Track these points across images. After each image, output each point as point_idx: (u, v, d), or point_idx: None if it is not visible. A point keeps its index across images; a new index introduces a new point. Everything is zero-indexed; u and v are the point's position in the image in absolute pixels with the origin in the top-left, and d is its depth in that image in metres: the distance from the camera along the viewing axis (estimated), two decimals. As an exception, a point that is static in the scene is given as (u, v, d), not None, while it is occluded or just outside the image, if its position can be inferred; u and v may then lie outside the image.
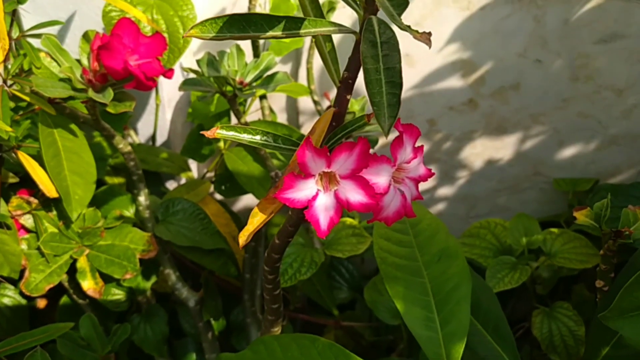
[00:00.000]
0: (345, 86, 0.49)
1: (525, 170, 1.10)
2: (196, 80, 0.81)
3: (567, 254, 0.87)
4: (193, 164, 1.14)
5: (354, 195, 0.43)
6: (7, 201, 0.84)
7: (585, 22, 0.93)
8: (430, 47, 0.36)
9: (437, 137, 1.12)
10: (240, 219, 1.12)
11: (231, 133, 0.48)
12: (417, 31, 0.37)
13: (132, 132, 1.12)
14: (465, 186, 1.16)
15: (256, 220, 0.47)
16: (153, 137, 1.18)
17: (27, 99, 0.72)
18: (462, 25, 0.99)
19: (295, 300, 1.03)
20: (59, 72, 0.72)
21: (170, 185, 1.19)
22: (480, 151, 1.11)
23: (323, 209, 0.43)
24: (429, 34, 0.37)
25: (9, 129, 0.64)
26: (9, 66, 0.72)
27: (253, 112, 1.10)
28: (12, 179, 0.85)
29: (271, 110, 1.07)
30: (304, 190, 0.43)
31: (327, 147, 0.50)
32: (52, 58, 0.73)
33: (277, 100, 1.19)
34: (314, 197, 0.43)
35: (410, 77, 1.06)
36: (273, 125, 0.97)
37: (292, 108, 1.19)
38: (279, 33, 0.42)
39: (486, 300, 0.65)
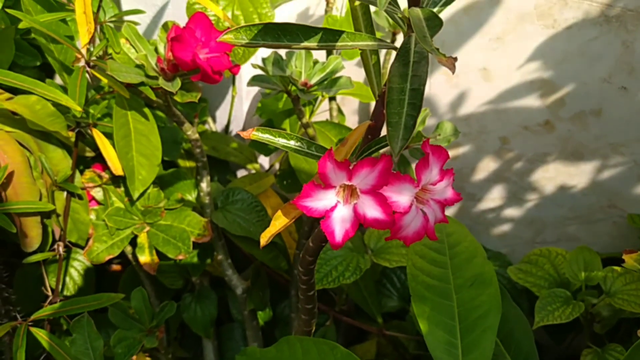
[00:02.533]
0: (383, 101, 0.49)
1: (600, 200, 1.05)
2: (264, 77, 0.84)
3: (627, 295, 0.82)
4: (261, 157, 1.17)
5: (372, 211, 0.43)
6: (82, 173, 0.91)
7: (680, 51, 0.86)
8: (453, 72, 0.36)
9: (508, 155, 1.08)
10: (302, 214, 1.14)
11: (266, 136, 0.49)
12: (443, 55, 0.37)
13: (209, 120, 1.17)
14: (533, 210, 1.12)
15: (278, 222, 0.48)
16: (227, 125, 1.22)
17: (105, 80, 0.78)
18: (545, 43, 0.95)
19: (342, 302, 1.04)
20: (135, 59, 0.77)
21: (240, 173, 1.23)
22: (553, 175, 1.06)
23: (340, 220, 0.44)
24: (455, 59, 0.36)
25: (78, 108, 0.69)
26: (92, 49, 0.77)
27: (323, 112, 1.12)
28: (89, 153, 0.91)
29: (340, 112, 1.08)
30: (323, 200, 0.44)
31: (358, 160, 0.50)
32: (131, 45, 0.78)
33: (351, 103, 1.19)
34: (333, 208, 0.44)
35: (486, 92, 1.03)
36: (337, 128, 0.98)
37: (364, 111, 1.19)
38: (314, 44, 0.42)
39: (520, 332, 0.62)
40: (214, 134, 1.12)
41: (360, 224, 0.44)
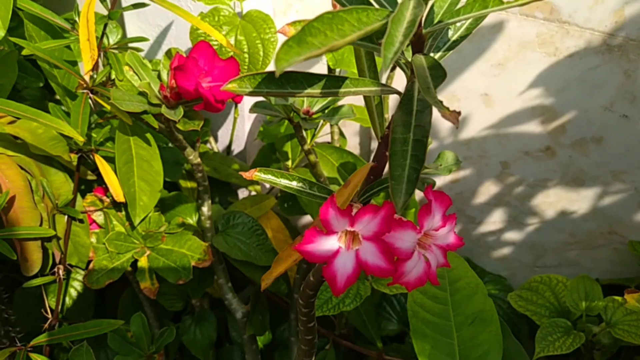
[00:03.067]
0: (386, 143, 0.49)
1: (600, 227, 1.05)
2: (266, 104, 0.84)
3: (628, 326, 0.82)
4: (262, 178, 1.17)
5: (374, 258, 0.43)
6: (83, 196, 0.91)
7: (681, 82, 0.86)
8: (457, 127, 0.36)
9: (509, 180, 1.08)
10: (299, 234, 1.14)
11: (269, 177, 0.49)
12: (447, 109, 0.37)
13: (211, 139, 1.17)
14: (534, 234, 1.12)
15: (279, 266, 0.48)
16: (229, 146, 1.23)
17: (108, 107, 0.78)
18: (546, 71, 0.95)
19: (341, 326, 1.04)
20: (139, 86, 0.77)
21: (242, 193, 1.23)
22: (554, 201, 1.06)
23: (342, 267, 0.44)
24: (458, 113, 0.36)
25: (81, 139, 0.69)
26: (95, 76, 0.77)
27: (325, 135, 1.12)
28: (90, 176, 0.91)
29: (341, 135, 1.08)
30: (325, 246, 0.44)
31: (361, 202, 0.50)
32: (135, 72, 0.78)
33: (352, 124, 1.19)
34: (335, 254, 0.44)
35: (487, 117, 1.03)
36: (339, 152, 0.98)
37: (365, 133, 1.19)
38: (317, 91, 0.42)
39: (520, 369, 0.62)
40: (215, 154, 1.13)
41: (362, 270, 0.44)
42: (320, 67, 1.12)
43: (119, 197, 0.80)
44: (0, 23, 0.70)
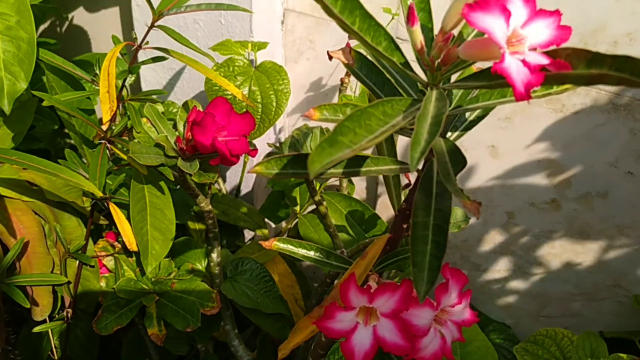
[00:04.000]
0: (403, 216, 0.50)
1: (605, 280, 1.05)
2: (280, 152, 0.85)
3: (634, 385, 0.82)
4: (270, 222, 1.18)
5: (392, 335, 0.44)
6: (94, 238, 0.92)
7: (686, 143, 0.88)
8: (478, 218, 0.37)
9: (514, 230, 1.10)
10: (307, 280, 1.15)
11: (287, 246, 0.51)
12: (468, 198, 0.38)
13: (220, 181, 1.18)
14: (539, 284, 1.13)
15: (297, 336, 0.49)
16: (238, 187, 1.24)
17: (125, 157, 0.79)
18: (553, 126, 0.97)
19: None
20: (156, 138, 0.78)
21: (249, 234, 1.24)
22: (559, 252, 1.07)
23: (360, 342, 0.44)
24: (479, 204, 0.38)
25: (100, 194, 0.71)
26: (113, 127, 0.79)
27: (334, 180, 1.13)
28: (103, 221, 0.92)
29: (350, 181, 1.09)
30: (344, 322, 0.45)
31: (377, 272, 0.51)
32: (152, 124, 0.80)
33: (360, 169, 1.21)
34: (353, 330, 0.44)
35: (494, 167, 1.05)
36: (347, 200, 1.00)
37: (372, 177, 1.20)
38: (339, 171, 0.44)
39: None
40: (224, 197, 1.14)
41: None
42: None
43: (132, 246, 0.81)
44: (23, 76, 0.72)
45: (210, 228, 0.92)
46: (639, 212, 0.97)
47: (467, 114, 0.48)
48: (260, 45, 1.00)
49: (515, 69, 0.34)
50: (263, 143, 1.05)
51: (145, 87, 1.25)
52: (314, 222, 1.02)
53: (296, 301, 1.07)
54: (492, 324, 1.14)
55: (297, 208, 1.07)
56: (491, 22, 0.33)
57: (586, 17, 0.87)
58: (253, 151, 0.79)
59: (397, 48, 0.41)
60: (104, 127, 0.78)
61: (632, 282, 1.03)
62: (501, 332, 1.11)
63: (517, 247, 1.11)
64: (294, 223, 1.09)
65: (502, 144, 1.02)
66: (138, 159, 0.73)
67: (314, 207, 1.05)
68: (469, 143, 1.04)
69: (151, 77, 1.21)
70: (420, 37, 0.40)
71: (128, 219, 0.83)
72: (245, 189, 1.27)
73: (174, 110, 1.16)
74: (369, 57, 0.48)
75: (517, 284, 1.15)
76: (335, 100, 1.08)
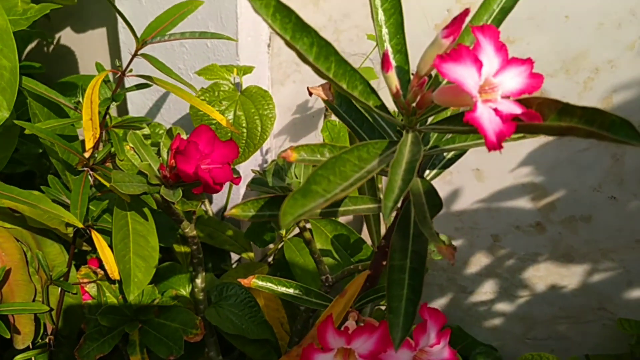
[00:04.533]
0: (382, 253, 0.50)
1: (590, 302, 1.06)
2: (263, 181, 0.85)
3: (618, 412, 0.82)
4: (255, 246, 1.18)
5: None
6: (77, 265, 0.91)
7: (667, 169, 0.89)
8: (453, 264, 0.37)
9: (500, 252, 1.10)
10: (292, 304, 1.14)
11: (267, 284, 0.50)
12: (443, 242, 0.38)
13: (206, 202, 1.18)
14: (524, 306, 1.13)
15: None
16: (225, 208, 1.23)
17: (108, 184, 0.79)
18: (537, 150, 0.97)
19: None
20: (139, 166, 0.78)
21: (235, 256, 1.23)
22: (544, 275, 1.08)
23: None
24: (454, 248, 0.38)
25: (80, 225, 0.70)
26: (96, 154, 0.79)
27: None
28: (86, 247, 0.92)
29: (336, 205, 1.09)
30: None
31: (357, 309, 0.51)
32: (135, 152, 0.80)
33: (346, 191, 1.21)
34: (330, 371, 0.44)
35: (479, 190, 1.05)
36: (333, 224, 0.99)
37: (359, 201, 1.20)
38: (316, 212, 0.44)
39: None
40: (210, 219, 1.13)
41: (357, 387, 0.44)
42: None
43: (114, 274, 0.80)
44: (6, 105, 0.72)
45: (194, 254, 0.92)
46: (623, 236, 0.97)
47: (445, 153, 0.49)
48: (246, 70, 1.00)
49: (487, 119, 0.34)
50: (249, 168, 1.05)
51: (131, 108, 1.25)
52: (299, 246, 1.02)
53: (282, 325, 1.06)
54: (479, 347, 1.14)
55: (283, 232, 1.06)
56: (463, 73, 0.33)
57: (567, 45, 0.88)
58: (237, 179, 0.79)
59: (373, 92, 0.41)
60: (87, 155, 0.78)
61: (617, 306, 1.03)
62: (488, 354, 1.11)
63: (503, 269, 1.11)
64: (279, 246, 1.08)
65: (487, 168, 1.03)
66: (120, 188, 0.73)
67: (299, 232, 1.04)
68: (454, 166, 1.04)
69: (138, 99, 1.21)
70: (395, 82, 0.41)
71: (110, 246, 0.82)
72: (231, 210, 1.27)
73: (160, 132, 1.16)
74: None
75: (503, 306, 1.15)
76: (321, 123, 1.08)
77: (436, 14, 0.94)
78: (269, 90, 1.16)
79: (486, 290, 1.15)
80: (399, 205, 0.35)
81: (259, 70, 1.06)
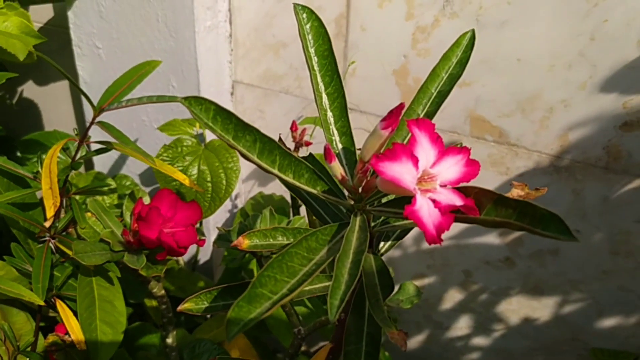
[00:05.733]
0: (342, 325, 0.50)
1: (563, 334, 1.07)
2: (228, 238, 0.85)
3: None
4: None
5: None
6: (44, 332, 0.89)
7: (625, 201, 0.91)
8: (404, 350, 0.37)
9: (473, 288, 1.11)
10: (270, 353, 1.13)
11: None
12: (394, 327, 0.38)
13: (176, 253, 1.17)
14: (500, 340, 1.13)
15: None
16: (196, 257, 1.23)
17: (70, 253, 0.78)
18: (500, 188, 0.99)
19: None
20: (102, 234, 0.77)
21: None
22: (517, 308, 1.09)
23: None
24: (406, 334, 0.38)
25: (41, 302, 0.69)
26: (57, 224, 0.78)
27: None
28: (52, 314, 0.90)
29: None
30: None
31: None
32: (97, 218, 0.79)
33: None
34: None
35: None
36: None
37: (331, 243, 1.21)
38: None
39: None
40: (180, 271, 1.12)
41: None
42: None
43: (81, 345, 0.79)
44: (-39, 180, 0.71)
45: (164, 313, 0.91)
46: (590, 268, 0.99)
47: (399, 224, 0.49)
48: (209, 122, 1.00)
49: (426, 213, 0.34)
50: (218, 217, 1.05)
51: (97, 161, 1.24)
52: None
53: (258, 373, 1.05)
54: (457, 383, 1.14)
55: (255, 281, 1.06)
56: (399, 170, 0.34)
57: (521, 86, 0.90)
58: (201, 241, 0.79)
59: (320, 177, 0.41)
60: (47, 224, 0.77)
61: (590, 335, 1.04)
62: (467, 391, 1.11)
63: (477, 304, 1.11)
64: (252, 296, 1.08)
65: (453, 206, 1.04)
66: (82, 259, 0.72)
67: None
68: (421, 206, 1.06)
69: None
70: (340, 170, 0.41)
71: (76, 314, 0.81)
72: (203, 257, 1.26)
73: (127, 183, 1.15)
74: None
75: (479, 340, 1.15)
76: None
77: (393, 60, 0.96)
78: (234, 139, 1.16)
79: (462, 326, 1.15)
80: (337, 316, 0.35)
81: (222, 120, 1.06)
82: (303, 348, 1.29)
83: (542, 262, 1.02)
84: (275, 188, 1.19)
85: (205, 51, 1.03)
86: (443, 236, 1.05)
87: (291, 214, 1.08)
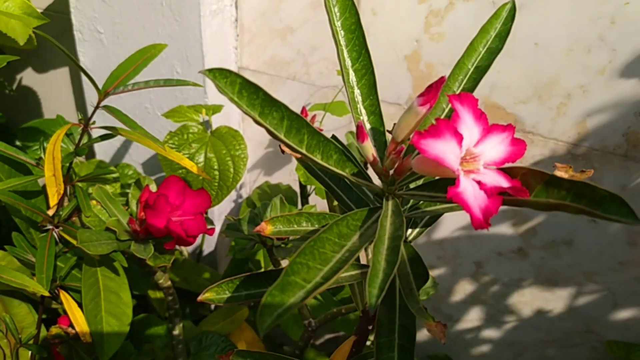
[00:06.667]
0: (367, 317, 0.48)
1: (577, 326, 1.05)
2: (238, 227, 0.82)
3: None
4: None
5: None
6: (47, 324, 0.87)
7: (645, 190, 0.89)
8: (444, 342, 0.35)
9: (484, 279, 1.08)
10: (277, 346, 1.11)
11: None
12: (432, 318, 0.36)
13: (180, 243, 1.14)
14: (512, 332, 1.11)
15: None
16: (200, 248, 1.20)
17: (75, 242, 0.75)
18: (514, 177, 0.96)
19: None
20: (107, 223, 0.75)
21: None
22: (529, 300, 1.06)
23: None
24: (445, 326, 0.36)
25: (46, 293, 0.67)
26: (61, 212, 0.75)
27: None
28: (55, 305, 0.87)
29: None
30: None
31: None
32: (103, 206, 0.76)
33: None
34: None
35: (460, 218, 1.04)
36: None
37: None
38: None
39: None
40: (185, 262, 1.10)
41: None
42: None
43: (86, 337, 0.76)
44: (-39, 166, 0.68)
45: (170, 304, 0.88)
46: (605, 259, 0.97)
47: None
48: (215, 109, 0.97)
49: (471, 195, 0.32)
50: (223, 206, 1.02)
51: (98, 150, 1.21)
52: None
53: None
54: (467, 376, 1.12)
55: (262, 272, 1.03)
56: (443, 148, 0.31)
57: (538, 71, 0.87)
58: (210, 230, 0.76)
59: (349, 158, 0.38)
60: (51, 213, 0.74)
61: (604, 328, 1.02)
62: (477, 384, 1.09)
63: (488, 296, 1.09)
64: (259, 287, 1.05)
65: (465, 196, 1.01)
66: (87, 248, 0.69)
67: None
68: (433, 196, 1.03)
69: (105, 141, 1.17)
70: (371, 151, 0.38)
71: (81, 305, 0.78)
72: (207, 248, 1.23)
73: (130, 172, 1.12)
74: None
75: (490, 333, 1.13)
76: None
77: (405, 45, 0.93)
78: (240, 128, 1.13)
79: (472, 318, 1.13)
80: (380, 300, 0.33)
81: (228, 107, 1.04)
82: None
83: (556, 253, 0.99)
84: (282, 177, 1.16)
85: (210, 36, 1.00)
86: (455, 227, 1.02)
87: (299, 203, 1.06)
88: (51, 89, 1.32)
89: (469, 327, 1.14)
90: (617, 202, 0.30)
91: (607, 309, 1.00)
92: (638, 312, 0.99)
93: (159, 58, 1.02)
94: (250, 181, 1.21)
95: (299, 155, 0.45)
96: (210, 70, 0.33)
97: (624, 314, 1.00)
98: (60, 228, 0.76)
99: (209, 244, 1.23)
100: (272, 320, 0.29)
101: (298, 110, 0.91)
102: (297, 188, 1.10)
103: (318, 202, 1.07)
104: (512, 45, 0.86)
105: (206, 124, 1.00)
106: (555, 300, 1.04)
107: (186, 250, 1.18)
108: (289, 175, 1.13)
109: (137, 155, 1.17)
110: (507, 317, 1.10)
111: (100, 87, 0.74)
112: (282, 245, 0.80)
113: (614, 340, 1.00)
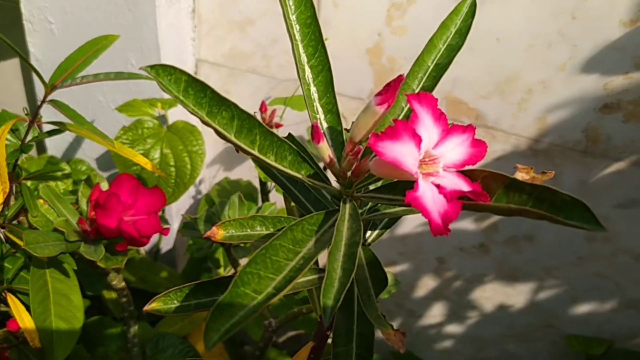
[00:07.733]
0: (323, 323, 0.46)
1: (537, 320, 1.05)
2: (195, 226, 0.80)
3: None
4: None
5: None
6: (-5, 330, 0.83)
7: (603, 186, 0.89)
8: (402, 351, 0.33)
9: (446, 275, 1.08)
10: (237, 346, 1.09)
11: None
12: (390, 327, 0.34)
13: (137, 241, 1.11)
14: (474, 327, 1.11)
15: None
16: (158, 245, 1.17)
17: (21, 244, 0.71)
18: (476, 172, 0.96)
19: None
20: (55, 223, 0.71)
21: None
22: (491, 295, 1.07)
23: None
24: (403, 334, 0.34)
25: (-12, 300, 0.63)
26: (6, 212, 0.71)
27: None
28: (4, 309, 0.83)
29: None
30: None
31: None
32: (50, 206, 0.73)
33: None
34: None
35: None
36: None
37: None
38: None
39: None
40: (142, 261, 1.06)
41: None
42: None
43: (35, 342, 0.73)
44: None
45: (125, 306, 0.85)
46: (565, 254, 0.97)
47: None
48: (172, 103, 0.94)
49: (430, 199, 0.30)
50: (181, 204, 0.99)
51: (49, 145, 1.16)
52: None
53: (225, 368, 1.00)
54: (430, 371, 1.12)
55: (221, 271, 1.01)
56: (401, 151, 0.30)
57: (500, 67, 0.86)
58: (165, 229, 0.73)
59: (305, 159, 0.36)
60: (-4, 213, 0.70)
61: (564, 322, 1.03)
62: (439, 379, 1.09)
63: (450, 291, 1.09)
64: (219, 286, 1.03)
65: (427, 191, 1.01)
66: (34, 250, 0.66)
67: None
68: (395, 191, 1.02)
69: (56, 135, 1.13)
70: (327, 152, 0.36)
71: (29, 309, 0.75)
72: (166, 246, 1.20)
73: (83, 168, 1.08)
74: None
75: (452, 328, 1.13)
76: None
77: (367, 38, 0.92)
78: (198, 122, 1.10)
79: (435, 313, 1.13)
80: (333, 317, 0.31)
81: (186, 101, 1.00)
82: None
83: (518, 248, 1.00)
84: (242, 173, 1.13)
85: (166, 27, 0.96)
86: (417, 223, 1.00)
87: (259, 200, 1.04)
88: (1, 80, 1.26)
89: (432, 323, 1.14)
90: (578, 208, 0.28)
91: (567, 303, 1.01)
92: (597, 307, 1.00)
93: (113, 49, 0.98)
94: (209, 177, 1.18)
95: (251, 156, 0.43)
96: (153, 67, 0.31)
97: (583, 308, 1.01)
98: (7, 228, 0.72)
99: (168, 241, 1.20)
100: (218, 337, 0.27)
101: (258, 104, 0.89)
102: (257, 184, 1.08)
103: (279, 199, 1.05)
104: (473, 40, 0.86)
105: (162, 119, 0.96)
106: (517, 295, 1.05)
107: (143, 248, 1.15)
108: (249, 172, 1.11)
109: (91, 151, 1.13)
110: (470, 312, 1.10)
111: (47, 80, 0.70)
112: (242, 245, 0.78)
113: (573, 334, 1.01)
